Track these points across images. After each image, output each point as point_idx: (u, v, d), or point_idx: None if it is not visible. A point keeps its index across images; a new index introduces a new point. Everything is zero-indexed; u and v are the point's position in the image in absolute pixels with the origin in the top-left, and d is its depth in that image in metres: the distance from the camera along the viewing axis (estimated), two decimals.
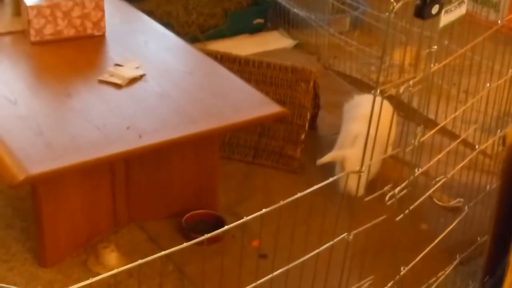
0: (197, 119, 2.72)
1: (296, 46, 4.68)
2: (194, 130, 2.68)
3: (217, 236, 2.91)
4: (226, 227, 1.82)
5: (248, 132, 3.47)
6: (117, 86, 2.92)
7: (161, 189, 3.05)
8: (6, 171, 2.44)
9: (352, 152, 3.05)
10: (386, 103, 1.93)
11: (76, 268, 2.84)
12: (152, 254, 2.85)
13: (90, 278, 1.63)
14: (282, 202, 1.83)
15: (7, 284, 2.72)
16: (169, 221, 3.08)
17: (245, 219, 1.80)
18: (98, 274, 2.76)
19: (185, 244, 1.78)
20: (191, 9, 4.57)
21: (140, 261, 1.73)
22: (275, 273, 1.92)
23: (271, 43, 4.66)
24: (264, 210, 1.81)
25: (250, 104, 2.85)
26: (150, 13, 3.93)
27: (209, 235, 1.82)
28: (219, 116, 2.75)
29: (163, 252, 1.79)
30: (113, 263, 2.83)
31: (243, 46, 4.52)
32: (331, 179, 1.94)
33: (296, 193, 1.87)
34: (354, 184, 1.99)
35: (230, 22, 4.63)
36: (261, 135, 3.49)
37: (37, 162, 2.46)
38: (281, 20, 4.80)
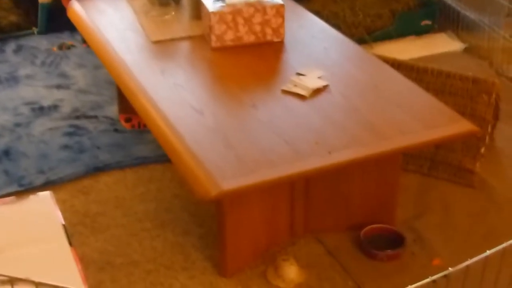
0: (388, 136, 2.62)
1: (465, 50, 4.52)
2: (386, 147, 2.59)
3: (396, 252, 2.90)
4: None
5: None
6: (301, 97, 2.86)
7: (339, 201, 2.99)
8: (198, 185, 2.42)
9: None
10: None
11: (255, 279, 2.82)
12: (330, 268, 2.85)
13: None
14: (488, 252, 1.73)
15: None
16: (346, 234, 3.02)
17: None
18: (278, 287, 2.77)
19: None
20: (357, 10, 4.48)
21: None
22: None
23: (439, 46, 4.52)
24: (469, 261, 1.67)
25: (441, 120, 2.73)
26: (316, 14, 3.84)
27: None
28: (410, 133, 2.65)
29: None
30: (292, 276, 2.80)
31: (410, 48, 4.41)
32: None
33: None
34: None
35: (398, 23, 4.52)
36: (438, 147, 3.37)
37: (229, 177, 2.42)
38: (449, 22, 4.64)
